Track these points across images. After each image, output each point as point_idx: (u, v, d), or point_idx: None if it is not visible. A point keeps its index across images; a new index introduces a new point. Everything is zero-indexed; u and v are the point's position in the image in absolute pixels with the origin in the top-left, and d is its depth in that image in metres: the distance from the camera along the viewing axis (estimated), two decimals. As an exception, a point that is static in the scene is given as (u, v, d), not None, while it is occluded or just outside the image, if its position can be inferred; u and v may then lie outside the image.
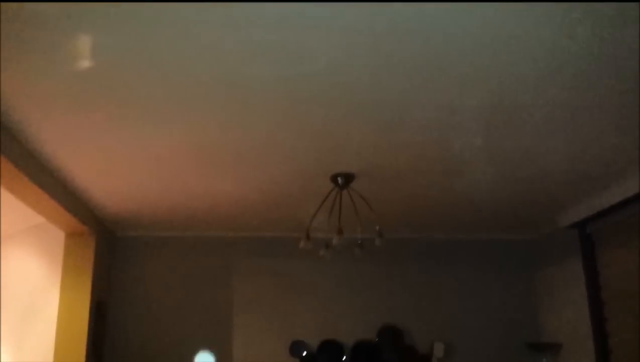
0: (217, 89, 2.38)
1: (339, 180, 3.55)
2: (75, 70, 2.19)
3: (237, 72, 2.24)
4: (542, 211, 4.48)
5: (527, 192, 3.94)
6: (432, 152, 3.18)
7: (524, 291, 5.19)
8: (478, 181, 3.73)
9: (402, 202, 4.20)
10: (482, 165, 3.43)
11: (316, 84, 2.34)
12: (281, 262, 5.07)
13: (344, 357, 4.91)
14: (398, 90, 2.41)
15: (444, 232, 5.17)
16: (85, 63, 2.14)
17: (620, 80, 2.31)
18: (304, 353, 4.89)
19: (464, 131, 2.88)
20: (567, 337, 4.63)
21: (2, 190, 3.34)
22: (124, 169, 3.47)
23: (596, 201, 3.91)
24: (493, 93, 2.43)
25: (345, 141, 3.01)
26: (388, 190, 3.89)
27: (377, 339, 4.98)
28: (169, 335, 4.83)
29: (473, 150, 3.16)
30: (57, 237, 4.44)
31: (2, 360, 4.66)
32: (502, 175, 3.64)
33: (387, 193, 3.94)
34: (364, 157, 3.28)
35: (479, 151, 3.17)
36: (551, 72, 2.25)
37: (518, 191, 3.93)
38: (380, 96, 2.47)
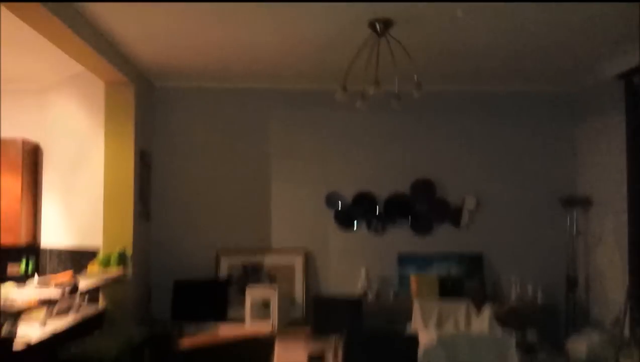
0: None
1: (377, 26, 3.43)
2: None
3: None
4: (585, 62, 4.31)
5: (572, 39, 3.77)
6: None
7: (562, 145, 5.15)
8: (521, 28, 3.58)
9: (441, 51, 4.08)
10: (526, 10, 3.28)
11: None
12: (317, 115, 5.10)
13: (378, 209, 5.10)
14: None
15: (483, 84, 5.04)
16: None
17: None
18: (339, 204, 5.08)
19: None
20: (601, 191, 4.65)
21: (42, 40, 3.38)
22: (160, 19, 3.45)
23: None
24: None
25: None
26: (426, 38, 3.77)
27: (410, 192, 5.11)
28: (210, 183, 5.05)
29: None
30: (97, 87, 4.50)
31: (53, 208, 4.98)
32: (546, 21, 3.47)
33: (426, 42, 3.83)
34: (402, 2, 3.14)
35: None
36: None
37: (562, 38, 3.75)
38: None
